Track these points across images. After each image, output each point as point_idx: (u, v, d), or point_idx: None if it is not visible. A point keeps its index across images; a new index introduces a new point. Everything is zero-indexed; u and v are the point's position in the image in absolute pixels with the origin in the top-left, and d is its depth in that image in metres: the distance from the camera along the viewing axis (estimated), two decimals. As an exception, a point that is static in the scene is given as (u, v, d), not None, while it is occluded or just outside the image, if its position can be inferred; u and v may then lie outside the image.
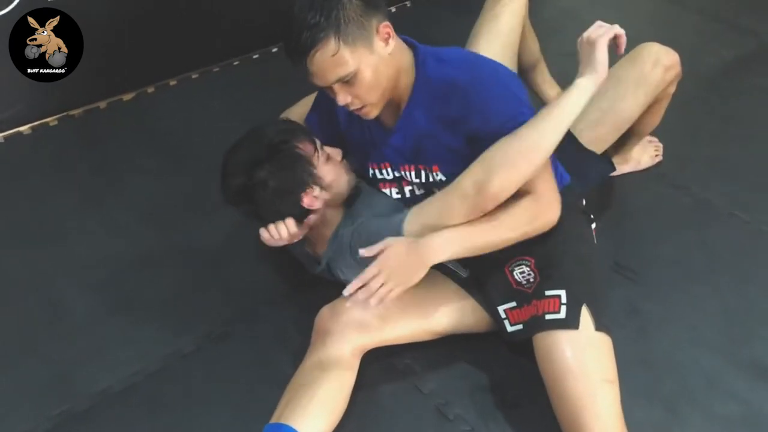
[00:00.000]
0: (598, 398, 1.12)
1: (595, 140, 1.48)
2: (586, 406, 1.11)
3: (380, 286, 1.17)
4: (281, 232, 1.29)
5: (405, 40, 1.29)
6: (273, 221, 1.29)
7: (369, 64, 1.17)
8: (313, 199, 1.28)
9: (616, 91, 1.44)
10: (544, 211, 1.21)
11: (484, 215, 1.18)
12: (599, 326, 1.18)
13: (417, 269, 1.18)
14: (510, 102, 1.21)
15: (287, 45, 1.16)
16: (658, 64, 1.43)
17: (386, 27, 1.19)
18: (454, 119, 1.22)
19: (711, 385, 1.30)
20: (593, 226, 1.40)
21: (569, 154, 1.46)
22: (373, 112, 1.24)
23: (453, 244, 1.17)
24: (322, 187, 1.30)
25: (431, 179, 1.30)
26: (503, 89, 1.22)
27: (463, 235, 1.18)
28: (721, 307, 1.45)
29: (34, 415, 1.29)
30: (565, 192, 1.35)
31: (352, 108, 1.22)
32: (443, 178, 1.28)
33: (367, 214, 1.31)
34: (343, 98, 1.20)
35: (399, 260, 1.17)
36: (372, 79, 1.18)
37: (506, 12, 1.61)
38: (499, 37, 1.60)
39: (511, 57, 1.63)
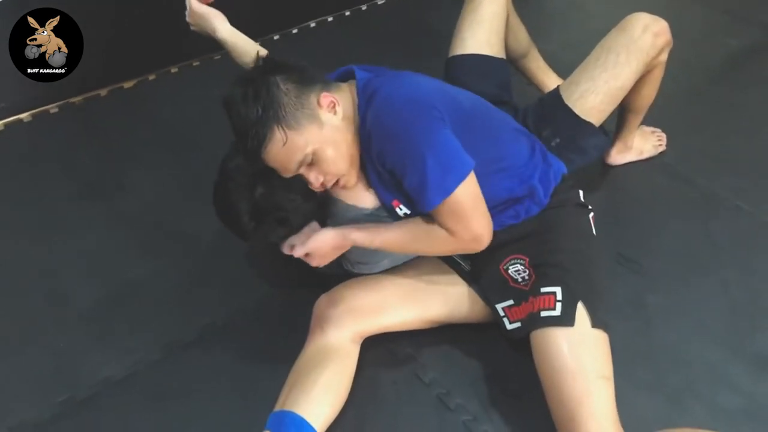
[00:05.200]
0: (594, 395, 1.11)
1: (591, 110, 1.45)
2: (582, 403, 1.10)
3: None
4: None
5: (345, 72, 1.27)
6: (300, 222, 1.26)
7: (324, 140, 1.16)
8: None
9: (607, 59, 1.43)
10: (464, 246, 1.23)
11: (409, 224, 1.23)
12: (596, 323, 1.17)
13: (335, 255, 1.27)
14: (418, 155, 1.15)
15: (241, 150, 1.17)
16: (647, 30, 1.42)
17: (326, 97, 1.18)
18: (383, 162, 1.20)
19: (715, 377, 1.30)
20: (591, 215, 1.39)
21: (566, 128, 1.45)
22: (351, 181, 1.24)
23: (372, 242, 1.23)
24: None
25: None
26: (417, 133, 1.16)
27: (382, 238, 1.23)
28: (725, 299, 1.44)
29: (37, 403, 1.29)
30: (559, 187, 1.35)
31: (329, 185, 1.22)
32: (407, 212, 1.26)
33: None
34: (315, 179, 1.20)
35: (325, 249, 1.24)
36: (334, 152, 1.18)
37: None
38: (482, 24, 1.59)
39: (497, 42, 1.61)
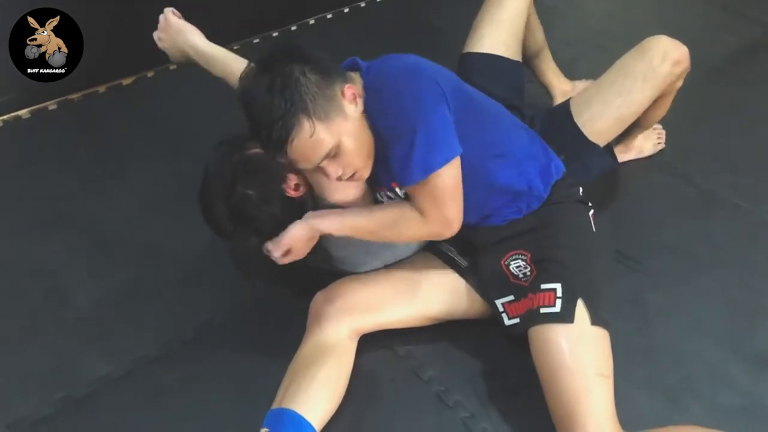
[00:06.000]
0: (593, 393, 1.11)
1: (599, 132, 1.46)
2: (579, 401, 1.10)
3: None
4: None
5: (349, 64, 1.26)
6: (276, 231, 1.24)
7: (348, 132, 1.15)
8: (295, 186, 1.27)
9: (623, 84, 1.42)
10: (434, 230, 1.21)
11: (379, 210, 1.24)
12: (596, 320, 1.17)
13: (310, 246, 1.27)
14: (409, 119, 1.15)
15: (263, 141, 1.14)
16: (667, 58, 1.40)
17: (350, 88, 1.16)
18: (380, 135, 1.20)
19: (713, 375, 1.30)
20: (591, 212, 1.38)
21: (572, 146, 1.45)
22: (365, 174, 1.22)
23: (340, 230, 1.23)
24: (295, 172, 1.27)
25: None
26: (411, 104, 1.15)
27: (351, 225, 1.23)
28: (724, 297, 1.44)
29: (35, 401, 1.29)
30: (560, 183, 1.35)
31: (345, 178, 1.20)
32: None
33: None
34: (334, 172, 1.17)
35: (299, 244, 1.24)
36: (355, 144, 1.16)
37: None
38: (503, 23, 1.58)
39: (514, 44, 1.61)
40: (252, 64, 1.16)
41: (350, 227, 1.23)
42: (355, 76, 1.23)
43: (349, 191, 1.28)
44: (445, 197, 1.16)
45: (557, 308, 1.17)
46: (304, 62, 1.13)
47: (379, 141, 1.19)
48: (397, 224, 1.21)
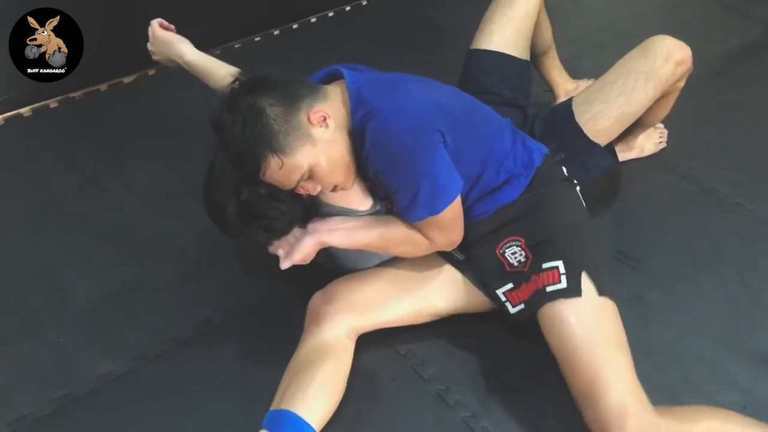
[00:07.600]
0: (611, 364, 1.11)
1: (601, 132, 1.46)
2: (599, 373, 1.10)
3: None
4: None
5: (331, 73, 1.26)
6: (285, 228, 1.24)
7: (319, 155, 1.16)
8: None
9: (625, 84, 1.42)
10: (439, 248, 1.27)
11: (389, 229, 1.24)
12: (602, 291, 1.18)
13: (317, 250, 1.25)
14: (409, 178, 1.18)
15: (238, 168, 1.17)
16: (670, 59, 1.40)
17: (316, 112, 1.16)
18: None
19: (713, 374, 1.30)
20: (578, 188, 1.39)
21: (573, 145, 1.45)
22: (348, 185, 1.24)
23: (350, 245, 1.25)
24: None
25: None
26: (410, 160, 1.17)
27: (360, 243, 1.24)
28: (724, 296, 1.44)
29: (35, 399, 1.29)
30: (542, 167, 1.34)
31: (327, 191, 1.22)
32: None
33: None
34: (313, 189, 1.20)
35: (311, 254, 1.23)
36: (329, 164, 1.17)
37: None
38: (513, 22, 1.58)
39: (523, 43, 1.61)
40: (231, 83, 1.16)
41: (359, 244, 1.25)
42: (333, 90, 1.22)
43: (350, 196, 1.28)
44: (449, 226, 1.22)
45: (563, 284, 1.18)
46: (264, 93, 1.13)
47: (382, 187, 1.22)
48: (405, 245, 1.25)
